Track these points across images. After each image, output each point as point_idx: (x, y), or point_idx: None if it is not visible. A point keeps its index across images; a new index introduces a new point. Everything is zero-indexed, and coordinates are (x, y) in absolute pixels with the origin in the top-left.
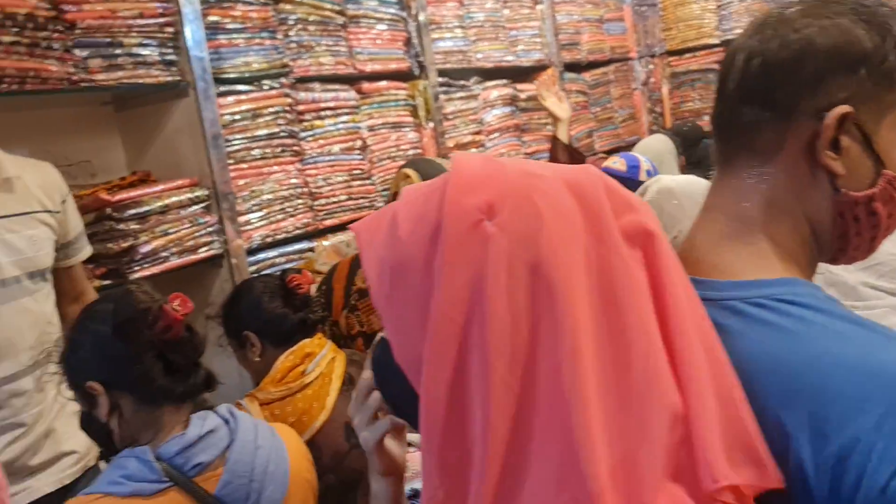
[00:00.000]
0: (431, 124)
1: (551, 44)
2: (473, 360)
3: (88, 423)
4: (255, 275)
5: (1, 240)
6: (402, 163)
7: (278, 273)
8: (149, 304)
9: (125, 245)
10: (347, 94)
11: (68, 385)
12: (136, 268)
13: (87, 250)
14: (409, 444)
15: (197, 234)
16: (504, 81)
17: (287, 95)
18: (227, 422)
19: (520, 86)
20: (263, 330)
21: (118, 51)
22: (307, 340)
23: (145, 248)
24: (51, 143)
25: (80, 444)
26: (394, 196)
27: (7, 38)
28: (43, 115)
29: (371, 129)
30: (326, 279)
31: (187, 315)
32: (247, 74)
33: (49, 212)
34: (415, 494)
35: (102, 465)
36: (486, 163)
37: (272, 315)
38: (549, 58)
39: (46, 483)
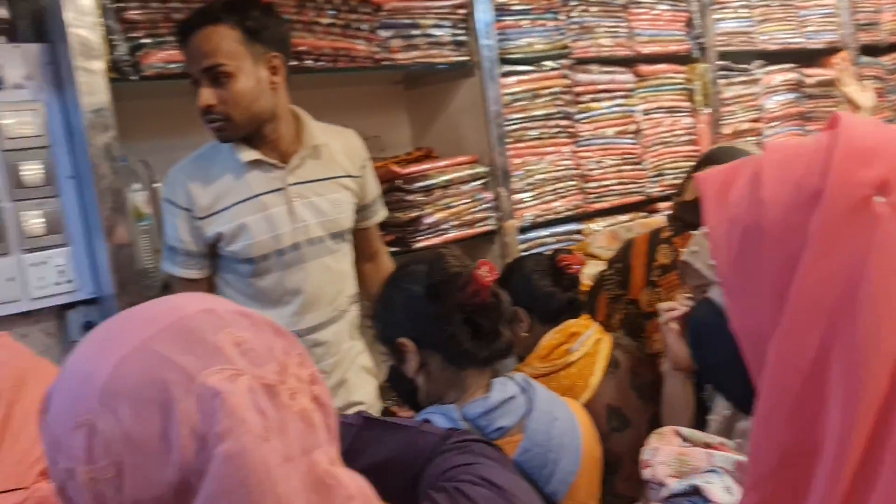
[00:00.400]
0: (708, 109)
1: (846, 24)
2: (840, 350)
3: (396, 378)
4: (527, 252)
5: (309, 202)
6: (674, 149)
7: (549, 252)
8: (460, 268)
9: (412, 215)
10: (624, 77)
11: (379, 339)
12: (420, 237)
13: (382, 213)
14: (685, 440)
15: (474, 209)
16: (789, 65)
17: (565, 77)
18: (524, 390)
19: (807, 70)
20: (532, 306)
21: (415, 31)
22: (573, 320)
23: (429, 220)
24: (347, 119)
25: (368, 395)
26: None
27: (325, 21)
28: (343, 92)
29: (645, 112)
30: (621, 257)
31: (494, 282)
32: (529, 55)
33: (351, 176)
34: (694, 491)
35: None
36: (880, 130)
37: (541, 293)
38: (842, 39)
39: None
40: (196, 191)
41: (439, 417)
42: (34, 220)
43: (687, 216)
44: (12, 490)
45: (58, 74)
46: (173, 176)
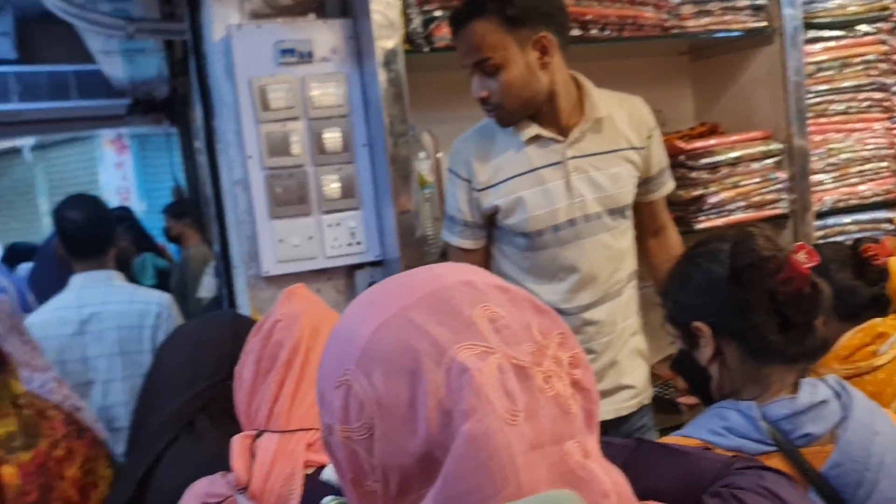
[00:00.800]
0: None
1: None
2: None
3: (684, 364)
4: (823, 241)
5: (587, 176)
6: None
7: (850, 242)
8: (772, 251)
9: (695, 194)
10: None
11: (670, 320)
12: (702, 217)
13: (669, 185)
14: None
15: (764, 189)
16: None
17: (883, 42)
18: (838, 395)
19: None
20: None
21: None
22: (879, 319)
23: (713, 199)
24: (628, 92)
25: (638, 379)
26: None
27: None
28: (623, 64)
29: None
30: None
31: (813, 269)
32: (840, 19)
33: (634, 149)
34: None
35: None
36: None
37: (840, 286)
38: None
39: (606, 411)
40: (477, 162)
41: (735, 415)
42: (332, 185)
43: None
44: (309, 429)
45: (358, 48)
46: (457, 147)
